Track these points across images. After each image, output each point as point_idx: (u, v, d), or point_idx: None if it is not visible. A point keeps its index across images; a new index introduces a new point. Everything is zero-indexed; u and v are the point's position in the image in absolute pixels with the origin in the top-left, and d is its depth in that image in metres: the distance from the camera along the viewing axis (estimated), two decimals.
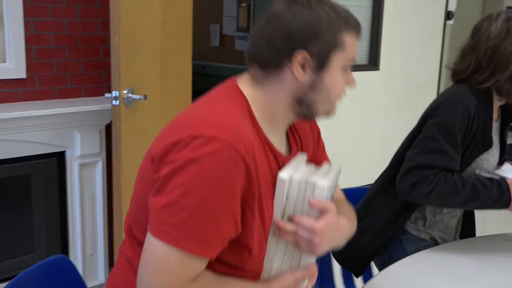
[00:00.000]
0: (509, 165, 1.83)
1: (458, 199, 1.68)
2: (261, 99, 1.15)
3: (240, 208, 1.02)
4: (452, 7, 5.07)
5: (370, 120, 4.62)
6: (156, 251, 1.00)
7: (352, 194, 1.90)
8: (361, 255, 1.92)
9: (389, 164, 1.96)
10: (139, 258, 1.06)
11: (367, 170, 4.72)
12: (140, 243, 1.09)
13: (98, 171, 2.97)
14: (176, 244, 0.99)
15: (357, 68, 4.47)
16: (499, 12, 1.84)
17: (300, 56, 1.12)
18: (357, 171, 4.64)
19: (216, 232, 1.00)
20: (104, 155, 2.99)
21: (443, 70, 5.80)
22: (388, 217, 1.87)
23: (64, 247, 2.96)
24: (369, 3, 4.48)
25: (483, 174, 1.79)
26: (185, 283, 1.01)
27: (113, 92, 2.51)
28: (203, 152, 0.97)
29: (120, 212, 2.62)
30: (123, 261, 1.21)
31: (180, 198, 0.98)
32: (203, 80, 7.14)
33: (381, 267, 1.89)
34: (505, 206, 1.71)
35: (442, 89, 5.87)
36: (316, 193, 1.14)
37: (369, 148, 4.69)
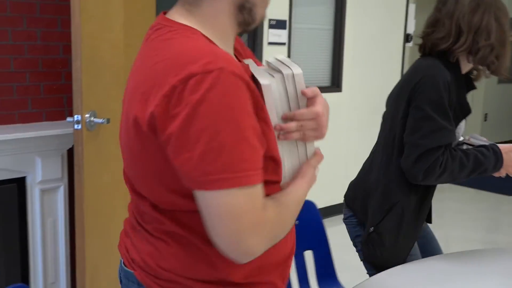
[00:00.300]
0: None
1: (465, 172, 1.77)
2: (208, 21, 1.05)
3: (258, 123, 0.99)
4: (410, 30, 5.21)
5: (334, 140, 4.68)
6: (219, 203, 0.94)
7: None
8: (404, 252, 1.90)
9: (382, 150, 1.98)
10: (180, 227, 1.03)
11: (332, 189, 4.76)
12: (171, 212, 1.04)
13: (60, 197, 2.91)
14: (234, 184, 0.93)
15: (321, 89, 4.53)
16: None
17: None
18: (323, 191, 4.67)
19: (256, 155, 0.96)
20: (66, 180, 2.93)
21: None
22: (413, 207, 1.86)
23: (24, 275, 2.87)
24: (330, 26, 4.56)
25: (472, 140, 1.89)
26: (260, 215, 0.98)
27: (75, 116, 2.47)
28: (204, 89, 0.91)
29: (82, 238, 2.56)
30: (162, 247, 1.07)
31: (209, 144, 0.91)
32: None
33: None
34: (498, 170, 1.82)
35: None
36: (298, 82, 1.13)
37: (334, 168, 4.73)
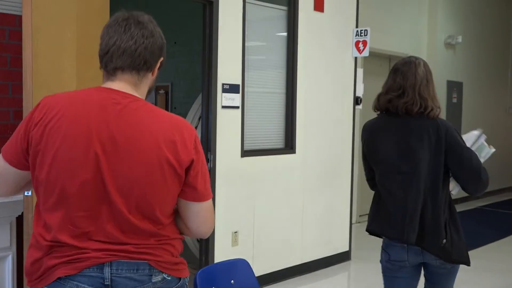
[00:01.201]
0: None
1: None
2: (142, 94, 1.69)
3: None
4: (359, 93, 5.40)
5: (288, 201, 4.70)
6: (210, 207, 1.68)
7: None
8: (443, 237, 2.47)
9: (421, 184, 2.47)
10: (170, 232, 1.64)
11: (289, 251, 4.74)
12: (164, 223, 1.62)
13: (8, 266, 2.80)
14: (210, 196, 1.69)
15: (275, 151, 4.60)
16: (417, 58, 2.62)
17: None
18: (278, 253, 4.64)
19: None
20: (14, 248, 2.82)
21: (356, 152, 6.06)
22: (451, 213, 2.53)
23: None
24: (283, 89, 4.68)
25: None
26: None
27: None
28: (196, 139, 1.66)
29: None
30: (166, 249, 1.62)
31: (207, 173, 1.69)
32: None
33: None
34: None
35: (356, 171, 6.11)
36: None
37: (289, 229, 4.73)
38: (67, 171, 1.50)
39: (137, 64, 1.60)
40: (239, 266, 2.21)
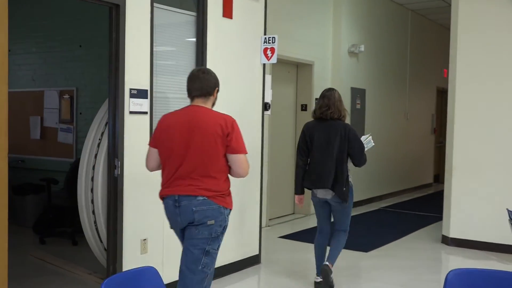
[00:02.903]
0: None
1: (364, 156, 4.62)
2: (209, 105, 3.35)
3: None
4: (268, 99, 5.50)
5: None
6: (244, 159, 3.24)
7: None
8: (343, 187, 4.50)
9: (329, 159, 4.50)
10: (215, 179, 3.21)
11: None
12: (217, 169, 3.22)
13: None
14: (245, 151, 3.29)
15: None
16: (334, 89, 4.69)
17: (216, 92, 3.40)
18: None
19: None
20: None
21: (265, 155, 6.14)
22: (346, 174, 4.52)
23: None
24: None
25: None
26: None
27: None
28: (235, 124, 3.28)
29: None
30: (207, 187, 3.19)
31: (241, 139, 3.27)
32: (23, 175, 6.74)
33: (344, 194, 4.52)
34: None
35: (265, 176, 6.20)
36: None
37: None
38: (169, 147, 3.25)
39: (204, 95, 3.32)
40: (147, 274, 2.19)
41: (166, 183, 3.26)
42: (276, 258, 5.76)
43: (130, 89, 4.01)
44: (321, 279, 4.62)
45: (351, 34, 8.82)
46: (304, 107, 8.14)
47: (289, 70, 8.07)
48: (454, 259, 6.04)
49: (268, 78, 5.52)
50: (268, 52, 5.32)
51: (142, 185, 4.15)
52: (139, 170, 4.12)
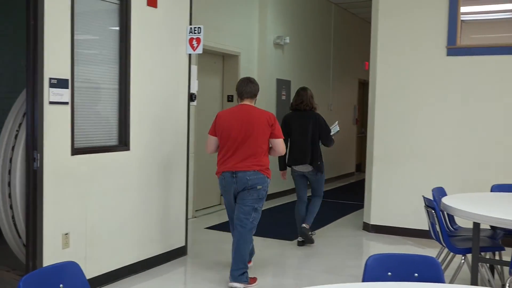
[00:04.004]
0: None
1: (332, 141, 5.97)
2: (253, 103, 4.64)
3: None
4: (194, 89, 5.47)
5: (123, 199, 4.61)
6: (282, 142, 4.56)
7: None
8: (318, 161, 5.85)
9: (306, 141, 5.77)
10: (262, 157, 4.48)
11: (123, 249, 4.66)
12: (262, 150, 4.47)
13: None
14: (283, 137, 4.60)
15: (108, 149, 4.49)
16: (307, 87, 6.05)
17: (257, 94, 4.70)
18: (113, 252, 4.54)
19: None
20: None
21: (191, 146, 6.11)
22: (320, 152, 5.84)
23: None
24: (115, 85, 4.57)
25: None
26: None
27: None
28: (275, 118, 4.54)
29: None
30: (258, 163, 4.44)
31: (280, 128, 4.57)
32: None
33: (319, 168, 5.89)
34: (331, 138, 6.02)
35: (191, 167, 6.16)
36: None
37: (124, 227, 4.64)
38: (228, 136, 4.43)
39: (251, 96, 4.58)
40: (69, 269, 2.12)
41: (224, 162, 4.48)
42: (202, 249, 5.77)
43: (50, 79, 3.86)
44: (303, 239, 5.92)
45: (277, 26, 8.92)
46: (230, 98, 8.16)
47: (215, 61, 8.05)
48: (375, 245, 6.28)
49: (194, 68, 5.49)
50: (194, 42, 5.28)
51: (63, 178, 4.03)
52: (60, 162, 3.99)
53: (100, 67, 4.45)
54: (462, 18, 6.28)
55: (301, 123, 5.80)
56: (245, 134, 4.40)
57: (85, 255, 4.25)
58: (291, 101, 6.05)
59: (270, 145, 4.53)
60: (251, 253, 4.83)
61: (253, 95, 4.59)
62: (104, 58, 4.48)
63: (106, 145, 4.50)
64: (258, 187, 4.42)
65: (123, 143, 4.62)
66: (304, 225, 5.85)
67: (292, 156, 5.85)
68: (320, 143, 5.87)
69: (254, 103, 4.62)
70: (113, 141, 4.59)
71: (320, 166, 5.84)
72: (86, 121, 4.32)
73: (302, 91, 5.95)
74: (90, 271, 4.29)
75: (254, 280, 4.59)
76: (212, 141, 4.58)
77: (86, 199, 4.23)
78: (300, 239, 5.94)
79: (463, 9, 6.25)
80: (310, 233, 5.93)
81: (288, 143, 5.82)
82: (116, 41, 4.57)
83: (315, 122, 5.78)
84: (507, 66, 6.04)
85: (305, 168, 5.84)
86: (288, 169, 6.04)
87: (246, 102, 4.57)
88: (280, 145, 4.54)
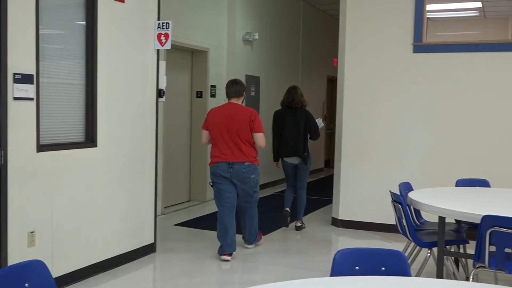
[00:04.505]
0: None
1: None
2: (240, 101, 5.34)
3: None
4: (162, 85, 5.42)
5: (91, 197, 4.55)
6: (262, 136, 5.19)
7: None
8: (306, 153, 6.43)
9: (298, 136, 6.33)
10: (248, 149, 5.18)
11: (91, 247, 4.60)
12: (248, 143, 5.17)
13: None
14: (263, 131, 5.22)
15: (74, 145, 4.41)
16: (297, 86, 6.61)
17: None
18: (80, 250, 4.48)
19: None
20: None
21: (160, 143, 6.06)
22: (307, 146, 6.40)
23: None
24: (82, 80, 4.50)
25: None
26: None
27: None
28: (257, 115, 5.22)
29: None
30: (246, 155, 5.16)
31: (260, 124, 5.19)
32: None
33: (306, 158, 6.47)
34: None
35: (160, 163, 6.11)
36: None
37: (92, 225, 4.58)
38: (217, 130, 5.13)
39: (237, 95, 5.28)
40: (34, 268, 2.09)
41: (217, 154, 5.17)
42: (171, 246, 5.74)
43: (14, 74, 3.78)
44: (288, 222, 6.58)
45: (246, 22, 8.91)
46: (199, 94, 8.13)
47: (184, 57, 8.01)
48: (343, 239, 6.35)
49: (162, 64, 5.44)
50: (162, 38, 5.24)
51: (28, 176, 3.95)
52: (25, 159, 3.91)
53: (67, 62, 4.37)
54: (428, 16, 6.38)
55: (293, 119, 6.35)
56: (231, 129, 5.10)
57: (52, 253, 4.18)
58: (287, 99, 6.50)
59: (253, 139, 5.20)
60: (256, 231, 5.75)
61: (239, 94, 5.27)
62: (70, 53, 4.40)
63: (72, 142, 4.43)
64: (252, 176, 5.22)
65: (90, 140, 4.55)
66: (286, 208, 6.59)
67: (284, 148, 6.40)
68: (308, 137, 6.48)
69: (242, 102, 5.33)
70: (80, 137, 4.52)
71: (307, 157, 6.40)
72: (52, 117, 4.24)
73: (293, 89, 6.45)
74: (57, 270, 4.22)
75: (260, 236, 5.88)
76: (204, 134, 5.31)
77: (52, 196, 4.16)
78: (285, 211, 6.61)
79: (429, 7, 6.36)
80: (300, 225, 6.66)
81: (278, 137, 6.50)
82: (83, 36, 4.50)
83: (305, 118, 6.34)
84: (472, 63, 6.17)
85: (295, 160, 6.45)
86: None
87: (233, 100, 5.28)
88: (259, 139, 5.16)
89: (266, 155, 7.61)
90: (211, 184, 5.31)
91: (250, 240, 5.65)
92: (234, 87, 5.26)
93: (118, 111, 4.84)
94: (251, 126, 5.10)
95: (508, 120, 6.07)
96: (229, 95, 5.29)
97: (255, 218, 5.59)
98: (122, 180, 4.91)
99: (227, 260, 5.14)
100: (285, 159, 6.47)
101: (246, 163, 5.14)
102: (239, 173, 5.14)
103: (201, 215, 7.30)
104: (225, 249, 5.16)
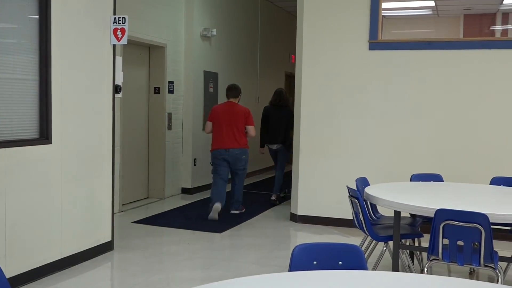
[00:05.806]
0: None
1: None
2: (237, 101, 7.19)
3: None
4: (119, 81, 5.34)
5: (45, 195, 4.45)
6: (253, 128, 7.11)
7: None
8: (287, 142, 8.03)
9: (279, 128, 8.03)
10: (241, 137, 7.03)
11: (46, 246, 4.51)
12: (241, 132, 7.01)
13: None
14: (253, 124, 7.16)
15: (28, 142, 4.31)
16: (283, 89, 8.36)
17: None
18: (35, 250, 4.38)
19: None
20: None
21: (117, 139, 5.97)
22: (288, 136, 7.95)
23: None
24: (35, 76, 4.39)
25: None
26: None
27: None
28: (250, 112, 7.15)
29: None
30: (239, 142, 6.99)
31: (252, 118, 7.13)
32: None
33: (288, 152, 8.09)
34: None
35: (117, 160, 6.02)
36: None
37: (47, 224, 4.49)
38: (218, 122, 6.96)
39: (235, 96, 7.12)
40: None
41: (217, 142, 6.90)
42: (129, 243, 5.67)
43: None
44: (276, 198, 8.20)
45: (204, 18, 8.86)
46: (157, 90, 8.04)
47: (141, 52, 7.90)
48: (302, 235, 6.41)
49: (119, 59, 5.36)
50: (118, 32, 5.16)
51: None
52: None
53: (19, 57, 4.25)
54: (383, 14, 6.50)
55: (278, 115, 8.01)
56: (230, 121, 6.90)
57: (5, 254, 4.07)
58: (275, 99, 8.14)
59: (246, 130, 7.00)
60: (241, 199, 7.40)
61: (235, 95, 7.09)
62: (23, 47, 4.29)
63: (25, 139, 4.31)
64: (243, 156, 6.99)
65: (44, 136, 4.45)
66: (272, 197, 8.20)
67: (269, 137, 8.11)
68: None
69: (238, 101, 7.12)
70: (34, 134, 4.41)
71: (290, 146, 7.76)
72: (4, 113, 4.12)
73: (279, 91, 8.16)
74: (11, 270, 4.11)
75: (243, 207, 7.35)
76: (209, 125, 7.06)
77: (5, 195, 4.05)
78: (273, 197, 8.20)
79: (384, 5, 6.48)
80: (281, 194, 8.36)
81: (264, 128, 8.15)
82: (36, 30, 4.39)
83: (288, 115, 7.88)
84: (426, 61, 6.32)
85: (278, 147, 8.08)
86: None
87: (231, 99, 7.09)
88: (251, 130, 7.03)
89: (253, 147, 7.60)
90: (211, 163, 7.07)
91: (236, 206, 7.23)
92: (231, 90, 7.10)
93: (74, 107, 4.74)
94: (245, 120, 6.95)
95: (460, 115, 6.25)
96: (228, 96, 7.11)
97: (241, 191, 7.26)
98: (78, 177, 4.82)
99: (218, 213, 6.81)
100: (268, 145, 8.15)
101: (239, 148, 6.92)
102: (234, 155, 6.91)
103: (160, 212, 7.24)
104: (217, 200, 6.83)
